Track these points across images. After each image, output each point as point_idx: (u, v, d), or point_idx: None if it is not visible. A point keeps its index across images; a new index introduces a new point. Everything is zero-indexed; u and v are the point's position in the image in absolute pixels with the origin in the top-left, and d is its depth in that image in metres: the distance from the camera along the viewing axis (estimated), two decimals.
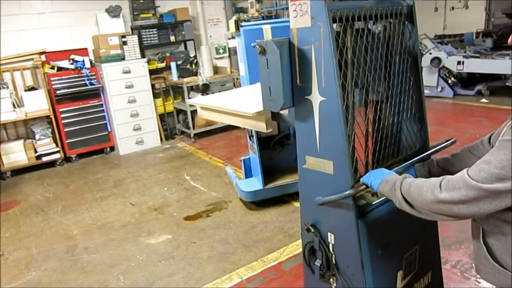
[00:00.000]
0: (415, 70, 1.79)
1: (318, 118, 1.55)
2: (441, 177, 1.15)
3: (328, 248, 1.69)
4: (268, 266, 2.94)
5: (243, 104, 2.22)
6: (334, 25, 1.48)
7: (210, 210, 3.92)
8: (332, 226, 1.66)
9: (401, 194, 1.26)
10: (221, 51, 7.02)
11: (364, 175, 1.49)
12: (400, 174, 1.41)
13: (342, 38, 1.55)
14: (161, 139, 6.45)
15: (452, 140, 1.83)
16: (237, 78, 6.39)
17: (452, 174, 1.30)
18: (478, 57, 7.12)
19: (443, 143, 1.84)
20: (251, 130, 3.77)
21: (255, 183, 3.90)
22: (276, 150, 4.00)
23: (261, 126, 1.93)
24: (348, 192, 1.45)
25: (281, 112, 1.72)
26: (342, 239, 1.63)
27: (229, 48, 7.04)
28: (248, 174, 4.14)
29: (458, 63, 7.14)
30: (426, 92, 7.63)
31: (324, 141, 1.56)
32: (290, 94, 1.61)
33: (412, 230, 1.75)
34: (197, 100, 2.66)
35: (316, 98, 1.53)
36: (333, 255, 1.69)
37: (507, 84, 6.99)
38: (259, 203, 3.86)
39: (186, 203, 4.15)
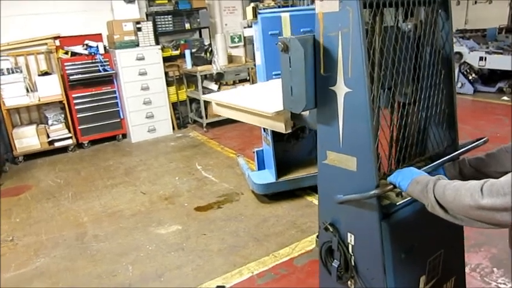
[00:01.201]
0: (447, 67, 1.67)
1: (342, 111, 1.45)
2: (482, 181, 1.04)
3: (348, 248, 1.60)
4: (279, 261, 2.87)
5: (261, 102, 2.12)
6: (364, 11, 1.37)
7: (221, 202, 3.85)
8: (352, 226, 1.56)
9: (435, 196, 1.15)
10: (236, 40, 6.90)
11: (390, 174, 1.39)
12: (429, 174, 1.31)
13: (371, 26, 1.44)
14: (173, 128, 6.40)
15: (484, 139, 1.71)
16: (252, 68, 6.29)
17: (487, 175, 1.19)
18: (501, 53, 6.87)
19: (474, 142, 1.73)
20: None
21: (268, 176, 3.81)
22: (291, 143, 3.90)
23: (280, 127, 1.83)
24: (373, 192, 1.35)
25: (301, 113, 1.63)
26: (362, 240, 1.54)
27: (244, 37, 6.91)
28: (261, 166, 4.05)
29: (480, 59, 6.91)
30: None
31: (347, 136, 1.46)
32: (313, 95, 1.52)
33: (437, 233, 1.64)
34: (213, 96, 2.56)
35: (341, 89, 1.43)
36: (352, 257, 1.60)
37: None
38: (271, 196, 3.78)
39: (197, 193, 4.09)
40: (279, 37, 1.50)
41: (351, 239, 1.58)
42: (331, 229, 1.63)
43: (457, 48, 7.09)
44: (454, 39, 7.29)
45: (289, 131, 1.82)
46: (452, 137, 1.75)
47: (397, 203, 1.50)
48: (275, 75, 3.51)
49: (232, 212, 3.64)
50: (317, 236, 3.04)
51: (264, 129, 3.80)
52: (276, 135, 3.71)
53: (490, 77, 7.53)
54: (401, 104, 1.66)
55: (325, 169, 1.60)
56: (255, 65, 4.53)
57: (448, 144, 1.75)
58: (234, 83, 6.33)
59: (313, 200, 3.74)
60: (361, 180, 1.45)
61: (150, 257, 3.05)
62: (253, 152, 4.16)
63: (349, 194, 1.48)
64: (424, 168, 1.47)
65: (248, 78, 6.27)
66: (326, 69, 1.46)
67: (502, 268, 2.62)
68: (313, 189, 3.84)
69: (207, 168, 4.73)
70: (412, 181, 1.26)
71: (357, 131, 1.41)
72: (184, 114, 6.70)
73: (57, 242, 3.37)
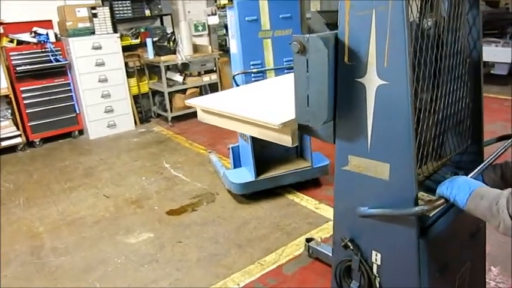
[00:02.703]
0: (473, 73, 1.47)
1: (373, 108, 1.20)
2: None
3: (372, 269, 1.37)
4: (267, 270, 2.62)
5: (260, 109, 1.82)
6: None
7: (196, 204, 3.53)
8: (380, 243, 1.33)
9: (511, 216, 0.93)
10: (200, 28, 6.51)
11: (441, 184, 1.16)
12: None
13: None
14: (135, 122, 5.94)
15: None
16: (219, 58, 5.95)
17: None
18: None
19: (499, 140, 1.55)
20: None
21: (246, 174, 3.54)
22: None
23: (286, 140, 1.55)
24: (418, 208, 1.12)
25: None
26: (392, 260, 1.31)
27: (209, 26, 6.53)
28: (237, 163, 3.77)
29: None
30: None
31: (379, 138, 1.22)
32: (333, 105, 1.27)
33: (465, 244, 1.46)
34: (198, 101, 2.16)
35: (372, 81, 1.18)
36: (377, 278, 1.37)
37: (491, 71, 6.91)
38: (249, 195, 3.51)
39: (167, 194, 3.74)
40: (294, 36, 1.22)
41: (376, 258, 1.35)
42: (351, 246, 1.39)
43: None
44: None
45: (296, 144, 1.55)
46: (475, 139, 1.56)
47: (431, 215, 1.29)
48: (253, 65, 3.23)
49: (208, 214, 3.34)
50: (306, 240, 2.83)
51: None
52: None
53: None
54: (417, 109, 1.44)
55: (344, 177, 1.35)
56: (229, 55, 4.20)
57: (471, 143, 1.56)
58: (200, 74, 5.97)
59: (295, 198, 3.52)
60: (395, 191, 1.22)
61: (120, 271, 2.70)
62: (228, 149, 3.87)
63: (377, 207, 1.25)
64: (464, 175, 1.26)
65: (215, 68, 5.93)
66: (352, 57, 1.20)
67: (498, 266, 2.53)
68: (293, 187, 3.62)
69: (176, 167, 4.37)
70: (473, 195, 1.04)
71: (393, 132, 1.18)
72: (146, 107, 6.24)
73: (8, 258, 2.93)
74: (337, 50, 1.23)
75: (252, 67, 3.23)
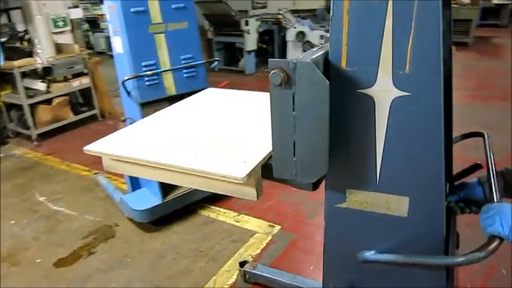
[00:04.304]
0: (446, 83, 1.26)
1: (386, 127, 0.88)
2: None
3: None
4: None
5: (202, 151, 1.33)
6: None
7: (92, 244, 2.85)
8: None
9: None
10: (61, 23, 5.44)
11: (485, 217, 0.90)
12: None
13: None
14: None
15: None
16: (90, 59, 5.07)
17: None
18: None
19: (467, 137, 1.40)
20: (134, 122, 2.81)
21: (150, 197, 2.99)
22: None
23: (248, 193, 1.13)
24: (472, 257, 0.84)
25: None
26: None
27: (71, 20, 5.51)
28: (135, 185, 3.18)
29: (321, 37, 7.25)
30: None
31: (394, 165, 0.91)
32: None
33: None
34: (105, 146, 1.47)
35: (385, 92, 0.86)
36: None
37: None
38: (156, 220, 2.98)
39: (51, 239, 2.94)
40: (272, 60, 0.83)
41: None
42: None
43: (299, 27, 7.27)
44: (294, 19, 7.50)
45: (260, 196, 1.15)
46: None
47: None
48: (146, 66, 2.68)
49: (111, 255, 2.71)
50: (240, 265, 2.46)
51: None
52: None
53: None
54: None
55: (340, 216, 1.02)
56: (113, 54, 3.54)
57: None
58: (67, 79, 5.00)
59: (210, 213, 3.11)
60: (416, 229, 0.93)
61: None
62: None
63: (389, 249, 0.95)
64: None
65: (86, 71, 5.03)
66: (352, 60, 0.85)
67: None
68: (206, 201, 3.21)
69: (54, 198, 3.51)
70: None
71: (416, 157, 0.87)
72: (1, 125, 4.99)
73: None
74: (329, 52, 0.87)
75: (144, 69, 2.67)
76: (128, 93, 2.73)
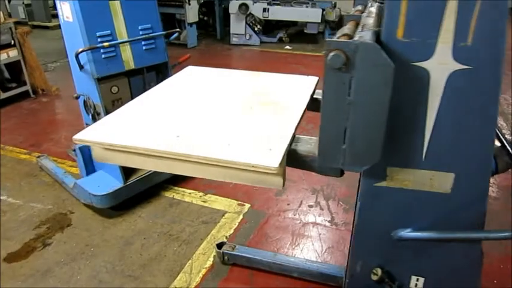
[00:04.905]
0: None
1: (439, 102, 0.85)
2: None
3: None
4: None
5: (217, 136, 1.20)
6: None
7: (46, 234, 2.58)
8: (424, 267, 1.05)
9: None
10: None
11: None
12: None
13: None
14: None
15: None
16: (16, 28, 4.48)
17: None
18: (279, 5, 7.28)
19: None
20: (89, 99, 2.56)
21: (109, 180, 2.77)
22: None
23: (275, 183, 1.03)
24: None
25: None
26: (443, 281, 1.05)
27: None
28: (90, 168, 2.93)
29: (264, 10, 7.14)
30: (235, 40, 7.44)
31: (442, 142, 0.88)
32: None
33: None
34: (95, 133, 1.25)
35: (442, 65, 0.82)
36: None
37: (305, 31, 7.47)
38: (117, 205, 2.78)
39: None
40: (330, 41, 0.74)
41: (417, 282, 1.07)
42: (383, 276, 1.07)
43: (242, 0, 7.07)
44: None
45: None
46: None
47: None
48: (101, 37, 2.42)
49: (71, 246, 2.49)
50: (218, 247, 2.38)
51: (87, 111, 2.65)
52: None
53: (267, 28, 7.98)
54: None
55: (378, 195, 0.99)
56: (60, 22, 3.12)
57: None
58: None
59: (175, 195, 2.98)
60: (458, 206, 0.93)
61: None
62: (73, 151, 2.97)
63: (427, 226, 0.94)
64: None
65: (13, 42, 4.44)
66: (410, 30, 0.80)
67: None
68: (169, 182, 3.06)
69: None
70: None
71: (467, 133, 0.86)
72: None
73: None
74: (383, 22, 0.81)
75: (99, 40, 2.40)
76: (81, 67, 2.44)
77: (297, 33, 7.98)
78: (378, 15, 1.11)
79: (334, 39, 0.78)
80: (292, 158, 0.98)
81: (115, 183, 2.72)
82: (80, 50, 2.33)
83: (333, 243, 2.52)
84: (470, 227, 0.94)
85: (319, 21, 7.16)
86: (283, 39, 7.67)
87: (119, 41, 2.49)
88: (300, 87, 1.57)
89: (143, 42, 2.63)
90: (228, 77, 1.78)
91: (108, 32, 2.44)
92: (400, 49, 0.83)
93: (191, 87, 1.66)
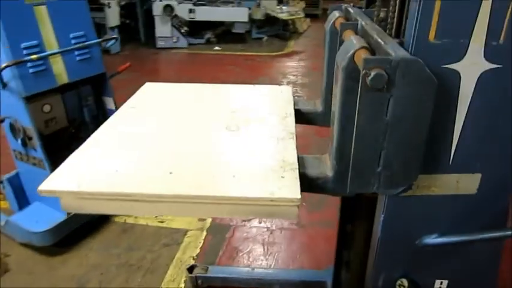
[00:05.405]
0: None
1: (468, 104, 0.80)
2: None
3: None
4: None
5: (221, 167, 1.03)
6: None
7: None
8: (447, 270, 1.02)
9: None
10: None
11: None
12: None
13: None
14: None
15: None
16: None
17: None
18: (205, 5, 7.11)
19: None
20: (16, 122, 2.23)
21: (49, 212, 2.43)
22: (70, 151, 2.58)
23: (290, 214, 0.90)
24: None
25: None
26: (466, 281, 1.03)
27: None
28: (22, 200, 2.55)
29: (190, 11, 6.92)
30: (161, 43, 7.13)
31: (470, 144, 0.85)
32: None
33: None
34: (70, 180, 1.00)
35: (473, 66, 0.77)
36: None
37: (233, 30, 7.40)
38: (60, 240, 2.45)
39: None
40: (368, 58, 0.65)
41: (441, 286, 1.04)
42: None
43: (165, 0, 6.78)
44: None
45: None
46: None
47: None
48: (26, 48, 2.10)
49: None
50: (189, 271, 2.19)
51: (15, 136, 2.31)
52: (49, 142, 2.33)
53: (194, 29, 7.76)
54: None
55: (401, 205, 0.93)
56: None
57: None
58: None
59: (126, 218, 2.71)
60: (483, 206, 0.91)
61: None
62: (0, 183, 2.56)
63: (451, 230, 0.91)
64: None
65: None
66: (443, 32, 0.74)
67: None
68: None
69: None
70: None
71: (493, 131, 0.83)
72: None
73: None
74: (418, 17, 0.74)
75: (25, 52, 2.08)
76: (4, 85, 2.10)
77: (224, 33, 7.88)
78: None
79: (374, 57, 0.69)
80: (303, 183, 0.88)
81: (57, 215, 2.38)
82: (3, 65, 1.98)
83: (306, 246, 2.47)
84: (493, 226, 0.93)
85: (246, 20, 7.14)
86: (211, 40, 7.52)
87: (49, 52, 2.17)
88: (278, 99, 1.47)
89: (76, 53, 2.33)
90: (195, 92, 1.61)
91: (35, 42, 2.12)
92: (431, 53, 0.77)
93: (160, 109, 1.45)
